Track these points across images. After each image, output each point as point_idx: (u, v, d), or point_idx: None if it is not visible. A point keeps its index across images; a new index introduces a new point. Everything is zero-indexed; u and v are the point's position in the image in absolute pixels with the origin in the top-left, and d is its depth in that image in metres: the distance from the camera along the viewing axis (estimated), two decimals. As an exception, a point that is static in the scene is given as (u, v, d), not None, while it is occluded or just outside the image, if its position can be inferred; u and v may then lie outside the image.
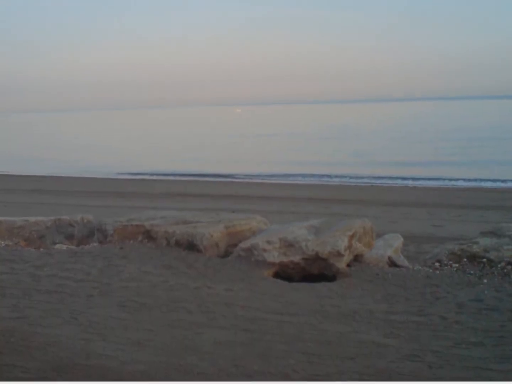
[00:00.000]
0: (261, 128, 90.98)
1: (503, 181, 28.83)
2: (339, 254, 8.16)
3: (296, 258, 8.32)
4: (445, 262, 8.45)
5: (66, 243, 10.00)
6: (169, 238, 9.14)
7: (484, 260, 8.22)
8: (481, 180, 29.32)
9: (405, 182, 29.70)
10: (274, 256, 8.35)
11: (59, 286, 7.23)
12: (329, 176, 32.73)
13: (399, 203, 21.21)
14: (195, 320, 6.10)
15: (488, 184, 28.14)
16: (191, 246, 8.91)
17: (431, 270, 8.18)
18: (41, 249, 9.37)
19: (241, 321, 6.10)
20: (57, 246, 9.73)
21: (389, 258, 8.70)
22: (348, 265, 8.34)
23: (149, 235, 9.33)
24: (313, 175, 33.06)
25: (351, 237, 8.45)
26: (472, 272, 7.97)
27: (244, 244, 8.69)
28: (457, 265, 8.29)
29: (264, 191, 25.61)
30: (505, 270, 7.87)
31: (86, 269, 7.91)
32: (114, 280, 7.45)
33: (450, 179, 30.09)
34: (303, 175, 33.10)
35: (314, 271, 8.33)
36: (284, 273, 8.32)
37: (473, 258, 8.37)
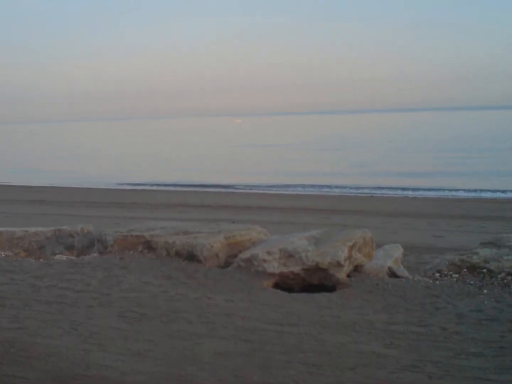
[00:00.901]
0: (261, 139, 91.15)
1: (503, 191, 28.85)
2: (339, 265, 8.16)
3: (296, 269, 8.33)
4: (445, 272, 8.46)
5: (66, 254, 10.00)
6: (169, 248, 9.15)
7: (484, 270, 8.23)
8: (481, 190, 29.35)
9: (405, 192, 29.73)
10: (274, 266, 8.35)
11: (59, 296, 7.23)
12: (329, 186, 32.77)
13: (399, 213, 21.23)
14: (195, 331, 6.10)
15: (488, 195, 28.16)
16: (191, 257, 8.91)
17: (431, 281, 8.19)
18: (41, 260, 9.37)
19: (241, 331, 6.10)
20: (57, 256, 9.73)
21: (389, 268, 8.70)
22: (348, 276, 8.34)
23: (149, 246, 9.33)
24: (313, 186, 33.09)
25: (351, 247, 8.45)
26: (472, 282, 7.97)
27: (244, 255, 8.70)
28: (457, 275, 8.30)
29: (264, 201, 25.63)
30: (505, 281, 7.88)
31: (86, 280, 7.91)
32: (114, 291, 7.45)
33: (450, 190, 30.11)
34: (303, 186, 33.13)
35: (314, 282, 8.33)
36: (284, 284, 8.32)
37: (473, 268, 8.38)
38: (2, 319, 6.39)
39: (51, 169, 48.00)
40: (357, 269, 8.62)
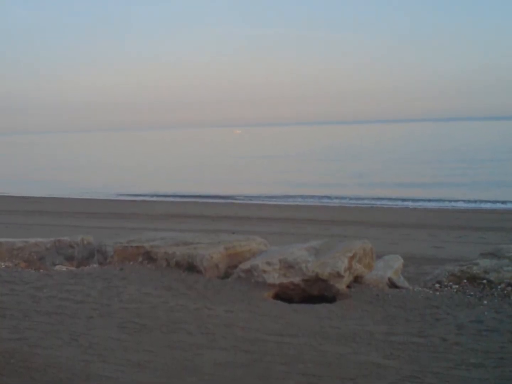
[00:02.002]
0: (261, 150, 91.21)
1: (503, 202, 28.87)
2: (339, 276, 8.16)
3: (296, 280, 8.33)
4: (445, 283, 8.45)
5: (66, 265, 10.01)
6: (169, 259, 9.15)
7: (484, 281, 8.22)
8: (481, 201, 29.37)
9: (405, 203, 29.74)
10: (274, 277, 8.35)
11: (59, 307, 7.23)
12: (329, 197, 32.77)
13: (399, 224, 21.24)
14: (195, 341, 6.09)
15: (488, 206, 28.18)
16: (191, 267, 8.91)
17: (431, 292, 8.18)
18: (41, 271, 9.37)
19: (241, 342, 6.09)
20: (57, 267, 9.73)
21: (389, 279, 8.70)
22: (348, 286, 8.33)
23: (149, 256, 9.33)
24: (313, 197, 33.10)
25: (351, 258, 8.46)
26: (472, 293, 7.96)
27: (244, 266, 8.70)
28: (457, 286, 8.29)
29: (264, 212, 25.64)
30: (505, 292, 7.87)
31: (86, 291, 7.91)
32: (114, 302, 7.45)
33: (450, 200, 30.13)
34: (303, 197, 33.15)
35: (314, 293, 8.33)
36: (284, 295, 8.32)
37: (473, 279, 8.37)
38: (2, 330, 6.38)
39: (51, 179, 48.04)
40: (357, 280, 8.62)
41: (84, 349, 5.85)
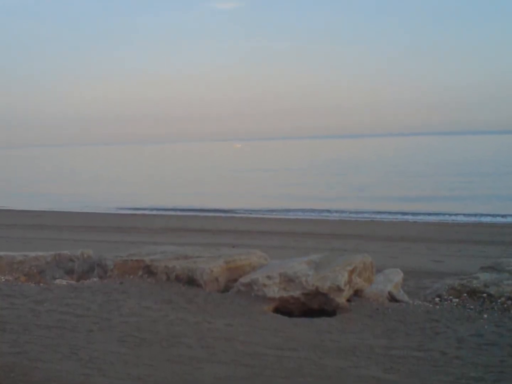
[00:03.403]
0: (261, 163, 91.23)
1: (503, 216, 28.84)
2: (339, 289, 8.17)
3: (296, 293, 8.33)
4: (445, 297, 8.45)
5: (66, 278, 9.99)
6: (169, 273, 9.15)
7: (484, 295, 8.22)
8: (481, 215, 29.33)
9: (405, 217, 29.70)
10: (274, 291, 8.35)
11: (59, 321, 7.22)
12: (329, 211, 32.74)
13: (399, 238, 21.21)
14: (195, 355, 6.09)
15: (488, 219, 28.16)
16: (191, 281, 8.92)
17: (431, 305, 8.18)
18: (41, 284, 9.36)
19: (241, 356, 6.09)
20: (57, 281, 9.73)
21: (389, 293, 8.69)
22: (348, 300, 8.33)
23: (149, 270, 9.34)
24: (313, 210, 33.06)
25: (351, 272, 8.46)
26: (472, 307, 7.96)
27: (244, 279, 8.71)
28: (457, 300, 8.29)
29: (264, 226, 25.61)
30: (505, 305, 7.87)
31: (86, 304, 7.91)
32: (114, 315, 7.44)
33: (450, 214, 30.10)
34: (303, 210, 33.12)
35: (314, 306, 8.33)
36: (284, 308, 8.32)
37: (473, 293, 8.37)
38: (2, 343, 6.38)
39: (50, 193, 48.03)
40: (357, 293, 8.62)
41: (84, 363, 5.84)
